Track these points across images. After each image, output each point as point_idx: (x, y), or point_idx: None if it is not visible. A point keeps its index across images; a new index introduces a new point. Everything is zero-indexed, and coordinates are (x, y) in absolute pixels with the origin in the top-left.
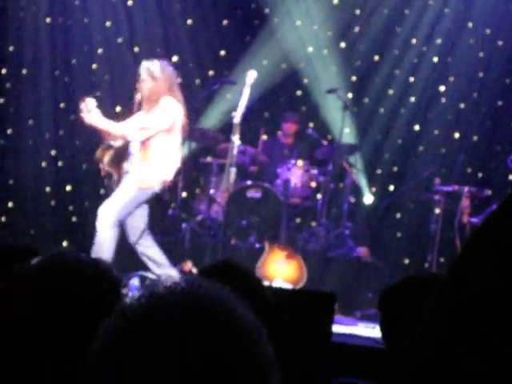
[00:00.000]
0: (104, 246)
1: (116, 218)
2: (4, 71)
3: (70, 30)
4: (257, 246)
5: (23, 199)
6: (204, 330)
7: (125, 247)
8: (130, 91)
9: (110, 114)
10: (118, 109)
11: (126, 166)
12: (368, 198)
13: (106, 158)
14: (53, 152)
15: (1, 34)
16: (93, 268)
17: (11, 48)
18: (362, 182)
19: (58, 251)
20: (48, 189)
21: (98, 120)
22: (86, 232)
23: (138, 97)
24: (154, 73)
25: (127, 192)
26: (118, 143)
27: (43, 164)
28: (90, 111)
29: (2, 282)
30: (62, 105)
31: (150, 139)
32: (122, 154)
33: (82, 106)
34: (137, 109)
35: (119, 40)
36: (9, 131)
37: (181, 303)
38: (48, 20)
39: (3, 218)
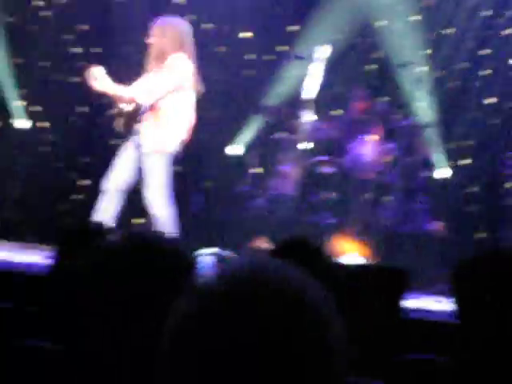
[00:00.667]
0: (167, 226)
1: (166, 196)
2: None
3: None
4: (330, 221)
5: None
6: (276, 309)
7: (195, 224)
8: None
9: None
10: None
11: (137, 128)
12: (442, 172)
13: (120, 122)
14: None
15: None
16: (171, 245)
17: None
18: (437, 155)
19: (136, 230)
20: None
21: (107, 86)
22: None
23: (148, 56)
24: (164, 30)
25: (157, 167)
26: (129, 107)
27: None
28: (99, 79)
29: (85, 258)
30: None
31: (159, 101)
32: (134, 118)
33: (90, 74)
34: (146, 68)
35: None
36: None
37: (255, 282)
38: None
39: (80, 196)
